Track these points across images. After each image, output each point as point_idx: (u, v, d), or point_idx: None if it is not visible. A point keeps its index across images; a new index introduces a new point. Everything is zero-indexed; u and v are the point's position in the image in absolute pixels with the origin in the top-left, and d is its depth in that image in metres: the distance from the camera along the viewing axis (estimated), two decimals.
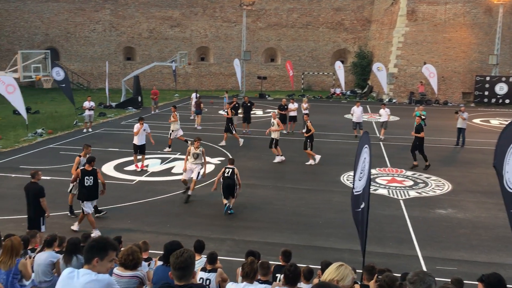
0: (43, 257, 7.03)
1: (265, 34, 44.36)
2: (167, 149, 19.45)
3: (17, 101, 21.19)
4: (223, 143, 20.49)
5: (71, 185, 12.02)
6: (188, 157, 13.70)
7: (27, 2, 43.44)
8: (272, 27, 44.20)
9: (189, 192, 13.51)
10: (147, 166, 16.98)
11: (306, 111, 23.95)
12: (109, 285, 3.83)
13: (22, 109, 21.78)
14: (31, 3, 43.51)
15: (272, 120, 18.58)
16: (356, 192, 7.35)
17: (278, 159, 17.95)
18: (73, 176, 11.67)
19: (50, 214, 10.54)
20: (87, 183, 11.08)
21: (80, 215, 11.25)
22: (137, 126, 16.56)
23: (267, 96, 39.58)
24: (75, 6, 43.65)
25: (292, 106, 23.65)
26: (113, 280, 3.97)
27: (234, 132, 20.75)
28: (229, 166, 12.93)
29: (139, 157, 16.76)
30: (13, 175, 15.58)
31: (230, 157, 14.23)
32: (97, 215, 11.96)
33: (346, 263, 3.96)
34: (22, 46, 41.99)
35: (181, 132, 19.85)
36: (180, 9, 44.08)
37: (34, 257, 7.17)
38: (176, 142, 19.82)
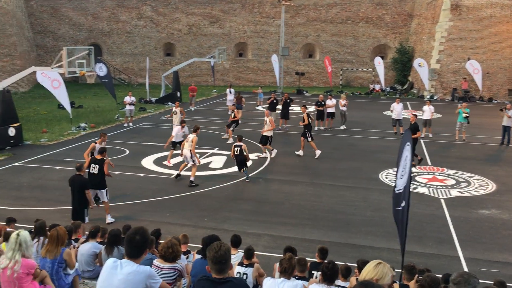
0: (87, 248, 7.27)
1: (304, 29, 44.08)
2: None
3: (62, 95, 21.88)
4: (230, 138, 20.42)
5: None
6: (186, 143, 14.80)
7: None
8: (310, 22, 43.87)
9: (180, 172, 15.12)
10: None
11: (344, 108, 23.71)
12: (150, 276, 3.94)
13: (66, 104, 22.48)
14: (76, 0, 44.80)
15: (265, 118, 18.10)
16: (397, 190, 7.21)
17: (274, 153, 17.88)
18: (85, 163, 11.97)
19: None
20: (91, 170, 11.44)
21: (105, 205, 11.57)
22: (178, 128, 16.85)
23: (305, 92, 39.37)
24: (118, 3, 44.65)
25: (330, 102, 23.42)
26: (153, 271, 4.07)
27: (230, 128, 20.46)
28: (237, 143, 14.71)
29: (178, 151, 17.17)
30: (58, 168, 16.12)
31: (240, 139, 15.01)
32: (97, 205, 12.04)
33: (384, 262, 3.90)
34: (67, 42, 43.33)
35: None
36: (219, 5, 44.37)
37: (78, 247, 7.42)
38: (213, 137, 20.01)
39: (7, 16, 36.69)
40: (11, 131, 18.91)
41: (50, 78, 21.11)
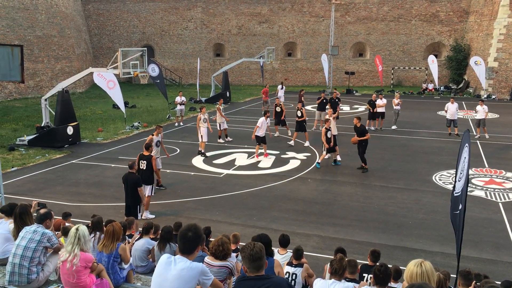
0: (141, 243, 7.48)
1: (354, 28, 43.45)
2: (220, 140, 20.38)
3: (117, 96, 22.61)
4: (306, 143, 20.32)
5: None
6: (202, 123, 17.70)
7: (126, 2, 46.23)
8: (361, 21, 43.18)
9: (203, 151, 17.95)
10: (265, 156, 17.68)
11: (398, 107, 23.17)
12: (203, 272, 4.02)
13: (121, 104, 23.22)
14: (130, 3, 46.23)
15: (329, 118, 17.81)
16: (456, 193, 6.96)
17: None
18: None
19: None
20: (141, 166, 11.76)
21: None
22: (262, 120, 17.34)
23: (354, 92, 38.81)
24: (170, 5, 45.69)
25: (381, 102, 22.94)
26: (206, 268, 4.15)
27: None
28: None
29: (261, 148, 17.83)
30: (113, 165, 16.69)
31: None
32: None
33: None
34: (121, 44, 44.84)
35: (225, 125, 20.43)
36: (268, 5, 44.49)
37: (132, 243, 7.65)
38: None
39: (66, 20, 38.36)
40: (70, 130, 19.76)
41: (106, 79, 21.86)
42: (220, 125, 20.33)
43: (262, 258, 3.83)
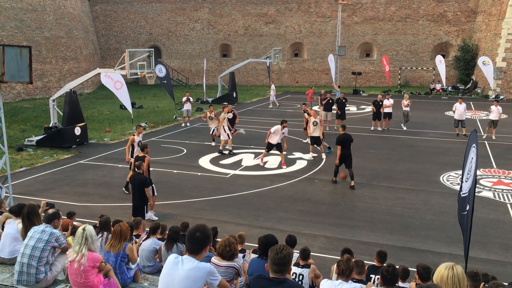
0: (148, 244, 7.51)
1: (361, 28, 43.33)
2: (213, 143, 19.69)
3: (124, 96, 22.64)
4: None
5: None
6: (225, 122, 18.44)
7: (133, 3, 46.41)
8: (368, 21, 43.06)
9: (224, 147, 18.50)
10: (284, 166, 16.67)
11: (408, 108, 23.04)
12: (211, 273, 4.03)
13: (128, 104, 23.27)
14: (137, 4, 46.41)
15: (313, 118, 17.40)
16: (463, 194, 6.93)
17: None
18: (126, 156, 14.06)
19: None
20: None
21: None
22: (277, 128, 16.31)
23: (361, 92, 38.70)
24: (176, 6, 45.81)
25: (388, 102, 22.85)
26: (214, 269, 4.15)
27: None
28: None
29: (276, 152, 17.01)
30: (120, 166, 16.74)
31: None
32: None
33: None
34: (129, 45, 45.01)
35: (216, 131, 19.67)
36: (275, 5, 44.48)
37: (139, 243, 7.68)
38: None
39: (74, 21, 38.56)
40: (77, 130, 19.86)
41: (113, 79, 21.91)
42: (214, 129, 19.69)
43: (285, 264, 3.85)
